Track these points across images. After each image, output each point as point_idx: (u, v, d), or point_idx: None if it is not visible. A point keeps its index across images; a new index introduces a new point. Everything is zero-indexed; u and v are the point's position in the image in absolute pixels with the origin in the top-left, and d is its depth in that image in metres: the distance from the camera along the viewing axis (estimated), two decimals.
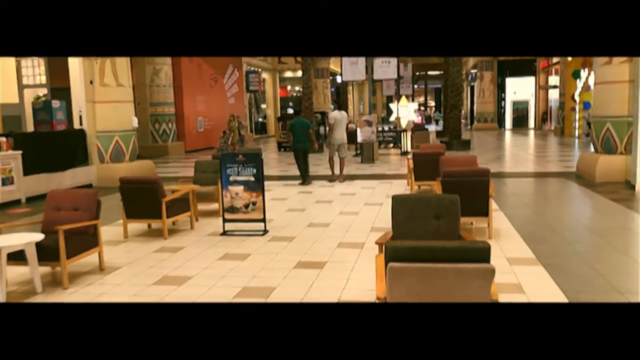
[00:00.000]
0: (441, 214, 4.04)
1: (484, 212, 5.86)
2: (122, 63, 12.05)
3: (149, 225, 7.06)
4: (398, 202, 4.14)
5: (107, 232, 6.83)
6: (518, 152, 17.82)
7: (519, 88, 32.89)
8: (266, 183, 10.68)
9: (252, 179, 6.50)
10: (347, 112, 28.10)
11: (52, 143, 10.89)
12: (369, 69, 15.38)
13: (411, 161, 9.27)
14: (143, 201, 6.44)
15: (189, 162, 17.06)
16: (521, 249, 5.51)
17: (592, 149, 10.63)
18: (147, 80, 19.77)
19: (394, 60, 15.23)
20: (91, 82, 11.70)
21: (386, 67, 15.22)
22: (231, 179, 6.52)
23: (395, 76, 16.10)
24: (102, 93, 11.71)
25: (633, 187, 8.79)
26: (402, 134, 17.61)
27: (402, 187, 9.98)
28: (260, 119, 33.35)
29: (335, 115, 11.19)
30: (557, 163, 13.82)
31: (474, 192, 5.75)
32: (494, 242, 5.73)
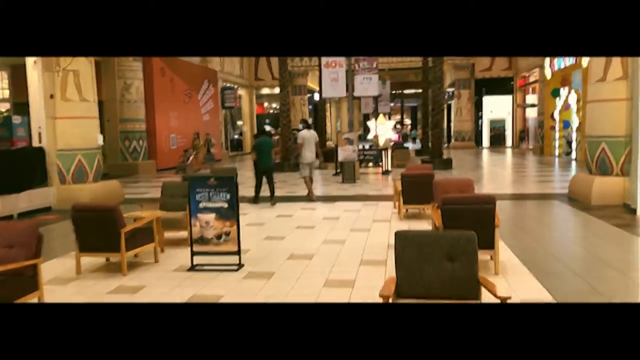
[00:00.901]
0: (455, 255, 3.34)
1: (489, 244, 5.18)
2: (87, 76, 11.18)
3: (107, 259, 6.20)
4: (402, 240, 3.42)
5: (58, 267, 5.96)
6: (501, 172, 17.38)
7: (496, 106, 32.82)
8: (241, 205, 9.96)
9: (226, 205, 5.71)
10: (325, 130, 27.70)
11: (6, 162, 9.93)
12: (350, 86, 14.79)
13: (399, 183, 8.62)
14: (99, 232, 5.61)
15: (160, 181, 16.12)
16: (534, 288, 4.84)
17: (587, 169, 10.12)
18: (117, 95, 18.84)
19: (375, 77, 14.68)
20: (52, 97, 10.78)
21: (367, 84, 14.66)
22: (201, 205, 5.73)
23: (377, 93, 15.56)
24: (64, 108, 10.81)
25: (633, 211, 8.26)
26: (383, 152, 17.04)
27: (388, 210, 9.30)
28: (236, 136, 32.54)
29: (304, 134, 10.93)
30: (545, 184, 13.35)
31: (478, 222, 5.07)
32: (501, 279, 5.05)
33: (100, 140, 11.73)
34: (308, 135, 10.91)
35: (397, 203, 9.36)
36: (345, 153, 14.28)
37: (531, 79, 29.55)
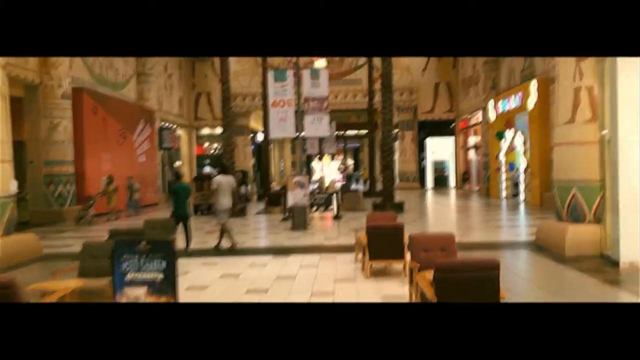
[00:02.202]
0: None
1: None
2: (1, 114, 9.69)
3: None
4: None
5: None
6: (455, 216, 16.83)
7: (439, 148, 33.02)
8: (180, 261, 8.64)
9: (161, 276, 4.49)
10: (269, 172, 26.62)
11: None
12: (299, 126, 13.90)
13: (363, 235, 7.64)
14: None
15: (89, 231, 14.45)
16: None
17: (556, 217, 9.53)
18: (41, 135, 17.05)
19: (325, 117, 13.87)
20: None
21: (318, 124, 13.81)
22: (128, 277, 4.47)
23: (328, 133, 14.74)
24: None
25: (615, 264, 7.62)
26: (333, 196, 16.12)
27: (349, 266, 8.26)
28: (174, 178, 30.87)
29: (219, 180, 10.20)
30: (507, 230, 12.80)
31: (479, 293, 4.13)
32: None
33: (14, 186, 10.14)
34: (224, 181, 10.22)
35: (358, 256, 8.38)
36: (295, 198, 13.24)
37: (472, 122, 29.93)
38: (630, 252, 7.44)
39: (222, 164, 11.52)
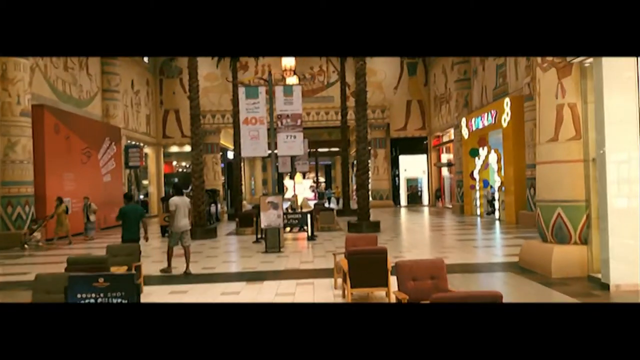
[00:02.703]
0: None
1: None
2: None
3: None
4: None
5: None
6: (432, 235, 16.52)
7: (411, 165, 32.94)
8: (146, 289, 8.01)
9: None
10: (240, 190, 26.01)
11: None
12: (272, 144, 13.42)
13: (343, 261, 7.17)
14: None
15: (49, 255, 13.61)
16: None
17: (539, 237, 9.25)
18: None
19: (299, 135, 13.44)
20: None
21: (291, 142, 13.35)
22: None
23: (302, 152, 14.28)
24: None
25: (605, 287, 7.33)
26: (307, 215, 15.62)
27: (328, 292, 7.76)
28: (142, 197, 29.88)
29: (176, 201, 9.82)
30: (486, 250, 12.51)
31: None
32: None
33: None
34: (181, 202, 9.91)
35: (337, 282, 7.91)
36: (269, 219, 12.70)
37: (445, 139, 29.98)
38: (620, 275, 7.16)
39: (176, 184, 10.98)
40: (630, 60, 7.00)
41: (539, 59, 8.62)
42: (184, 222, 9.91)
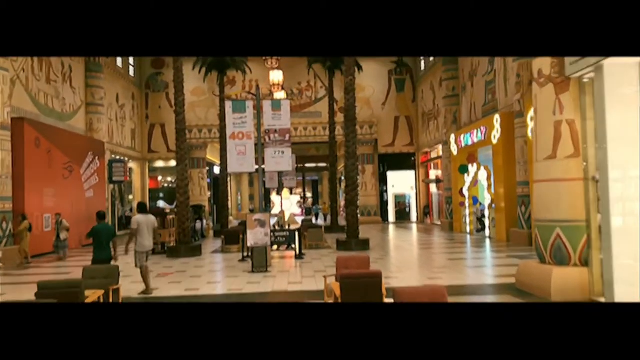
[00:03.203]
0: None
1: None
2: None
3: None
4: None
5: None
6: (423, 254, 16.15)
7: (399, 181, 32.68)
8: None
9: None
10: (227, 205, 25.52)
11: None
12: (260, 160, 13.04)
13: (335, 285, 6.78)
14: None
15: (29, 274, 13.03)
16: None
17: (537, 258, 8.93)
18: None
19: (288, 151, 13.08)
20: None
21: (279, 158, 12.98)
22: None
23: (290, 168, 13.93)
24: None
25: None
26: (295, 233, 15.18)
27: None
28: (128, 213, 29.22)
29: (139, 219, 9.54)
30: (479, 270, 12.16)
31: None
32: None
33: None
34: (145, 221, 9.61)
35: None
36: (256, 237, 12.26)
37: (433, 155, 29.83)
38: (625, 298, 6.84)
39: (141, 202, 10.60)
40: (633, 75, 6.77)
41: (535, 74, 8.38)
42: (147, 242, 9.60)
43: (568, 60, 7.79)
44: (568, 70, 7.83)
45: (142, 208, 10.08)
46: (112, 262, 8.69)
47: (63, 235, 16.39)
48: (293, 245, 15.04)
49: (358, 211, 31.47)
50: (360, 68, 23.92)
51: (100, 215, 9.28)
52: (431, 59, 28.34)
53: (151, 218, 9.87)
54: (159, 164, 31.69)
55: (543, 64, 8.19)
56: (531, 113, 14.93)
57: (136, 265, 9.67)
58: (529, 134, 15.23)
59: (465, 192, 21.59)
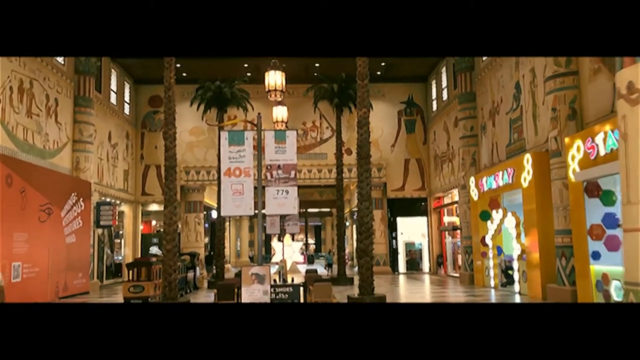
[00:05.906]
0: None
1: None
2: None
3: None
4: None
5: None
6: None
7: (410, 228, 30.43)
8: None
9: None
10: (223, 253, 23.26)
11: None
12: (260, 201, 10.93)
13: None
14: None
15: None
16: None
17: None
18: None
19: (293, 190, 11.00)
20: None
21: (283, 199, 10.87)
22: None
23: (295, 211, 11.75)
24: None
25: None
26: (299, 289, 12.93)
27: None
28: (119, 259, 26.94)
29: None
30: None
31: None
32: None
33: None
34: None
35: None
36: (252, 295, 10.03)
37: (446, 200, 27.76)
38: None
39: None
40: None
41: (623, 89, 6.38)
42: None
43: None
44: None
45: None
46: None
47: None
48: (296, 302, 12.73)
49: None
50: (370, 106, 22.17)
51: None
52: (444, 97, 26.67)
53: None
54: (153, 207, 29.62)
55: (633, 75, 6.22)
56: (573, 151, 12.94)
57: None
58: (570, 175, 13.20)
59: (488, 241, 19.40)
